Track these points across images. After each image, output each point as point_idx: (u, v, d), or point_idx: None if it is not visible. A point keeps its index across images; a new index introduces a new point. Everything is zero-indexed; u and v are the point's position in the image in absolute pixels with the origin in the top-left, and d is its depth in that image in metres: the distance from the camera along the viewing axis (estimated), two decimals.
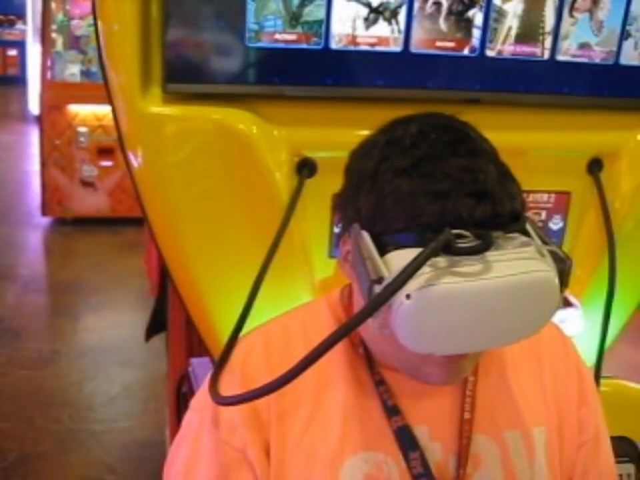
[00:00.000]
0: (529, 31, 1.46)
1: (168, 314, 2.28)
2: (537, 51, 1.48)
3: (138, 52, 1.33)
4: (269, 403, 1.02)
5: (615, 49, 1.52)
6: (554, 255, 0.88)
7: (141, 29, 1.33)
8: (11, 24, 13.65)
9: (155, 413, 3.49)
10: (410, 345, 0.86)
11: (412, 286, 0.82)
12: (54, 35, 6.06)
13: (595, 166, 1.61)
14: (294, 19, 1.34)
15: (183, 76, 1.35)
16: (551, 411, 1.11)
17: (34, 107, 8.93)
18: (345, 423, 1.03)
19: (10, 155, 8.82)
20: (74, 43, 6.14)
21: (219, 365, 1.10)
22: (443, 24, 1.41)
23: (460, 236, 0.84)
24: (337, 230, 1.47)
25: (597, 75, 1.55)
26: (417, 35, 1.41)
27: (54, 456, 3.27)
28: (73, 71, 6.16)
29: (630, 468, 1.72)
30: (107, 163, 6.21)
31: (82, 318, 4.72)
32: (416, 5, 1.38)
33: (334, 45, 1.38)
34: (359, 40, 1.39)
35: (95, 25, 1.36)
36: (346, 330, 0.86)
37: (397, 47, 1.41)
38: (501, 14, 1.44)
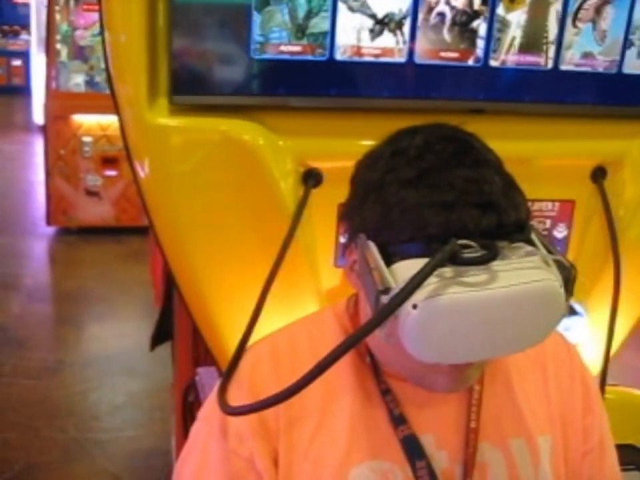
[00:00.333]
0: (532, 41, 1.47)
1: (174, 323, 2.29)
2: (541, 60, 1.49)
3: (145, 63, 1.34)
4: (277, 413, 1.03)
5: (617, 57, 1.53)
6: (559, 264, 0.89)
7: (148, 41, 1.33)
8: (15, 34, 13.70)
9: (160, 422, 3.49)
10: (417, 354, 0.87)
11: (419, 296, 0.82)
12: (58, 45, 6.09)
13: (598, 174, 1.62)
14: (300, 30, 1.35)
15: (190, 87, 1.36)
16: (555, 419, 1.11)
17: (38, 116, 8.94)
18: (352, 432, 1.04)
19: (15, 164, 8.85)
20: (78, 53, 6.16)
21: (227, 375, 1.10)
22: (446, 34, 1.42)
23: (466, 246, 0.85)
24: (342, 240, 1.47)
25: (601, 83, 1.55)
26: (421, 45, 1.41)
27: (59, 465, 3.27)
28: (77, 80, 6.18)
29: (636, 476, 1.72)
30: (111, 173, 6.22)
31: (87, 327, 4.72)
32: (420, 16, 1.39)
33: (339, 56, 1.39)
34: (363, 51, 1.40)
35: (102, 36, 1.37)
36: (354, 341, 0.87)
37: (401, 58, 1.41)
38: (505, 24, 1.45)
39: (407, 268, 0.85)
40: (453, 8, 1.40)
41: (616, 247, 1.61)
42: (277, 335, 1.14)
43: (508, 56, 1.47)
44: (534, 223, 1.59)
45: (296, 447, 1.04)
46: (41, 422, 3.56)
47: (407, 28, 1.40)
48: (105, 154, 6.17)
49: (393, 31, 1.40)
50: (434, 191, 0.89)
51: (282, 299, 1.39)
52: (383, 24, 1.38)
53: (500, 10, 1.43)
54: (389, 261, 0.88)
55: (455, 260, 0.84)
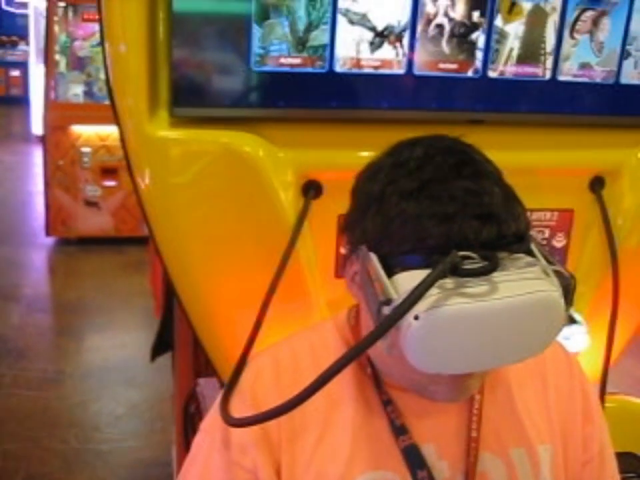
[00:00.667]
0: (530, 52, 1.48)
1: (174, 334, 2.29)
2: (539, 71, 1.50)
3: (145, 75, 1.35)
4: (280, 424, 1.03)
5: (615, 68, 1.54)
6: (558, 275, 0.89)
7: (149, 52, 1.34)
8: (14, 45, 13.71)
9: (161, 432, 3.49)
10: (418, 364, 0.88)
11: (420, 307, 0.83)
12: (57, 56, 6.10)
13: (597, 184, 1.63)
14: (300, 43, 1.36)
15: (190, 99, 1.37)
16: (555, 428, 1.12)
17: (37, 127, 8.95)
18: (354, 443, 1.04)
19: (13, 175, 8.85)
20: (77, 63, 6.18)
21: (229, 386, 1.11)
22: (445, 46, 1.43)
23: (466, 257, 0.85)
24: (343, 251, 1.48)
25: (598, 94, 1.56)
26: (420, 57, 1.42)
27: (60, 476, 3.26)
28: (76, 91, 6.19)
29: None
30: (110, 183, 6.23)
31: (87, 338, 4.72)
32: (419, 28, 1.40)
33: (338, 68, 1.40)
34: (362, 63, 1.40)
35: (103, 46, 1.38)
36: (356, 352, 0.87)
37: (400, 70, 1.42)
38: (503, 35, 1.46)
39: (408, 279, 0.86)
40: (451, 20, 1.41)
41: (614, 256, 1.61)
42: (278, 346, 1.15)
43: (506, 67, 1.48)
44: (533, 232, 1.60)
45: (298, 458, 1.04)
46: (41, 432, 3.56)
47: (406, 40, 1.41)
48: (104, 164, 6.17)
49: (392, 44, 1.41)
50: (434, 202, 0.89)
51: (283, 310, 1.39)
52: (382, 36, 1.39)
53: (498, 21, 1.44)
54: (390, 272, 0.89)
55: (456, 271, 0.84)
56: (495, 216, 0.89)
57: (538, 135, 1.57)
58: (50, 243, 6.46)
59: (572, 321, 1.65)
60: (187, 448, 1.14)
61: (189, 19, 1.33)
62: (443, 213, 0.88)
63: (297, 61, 1.37)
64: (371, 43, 1.40)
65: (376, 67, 1.41)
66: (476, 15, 1.42)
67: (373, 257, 0.91)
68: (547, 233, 1.65)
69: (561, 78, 1.52)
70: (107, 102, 1.45)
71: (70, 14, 6.09)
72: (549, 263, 0.91)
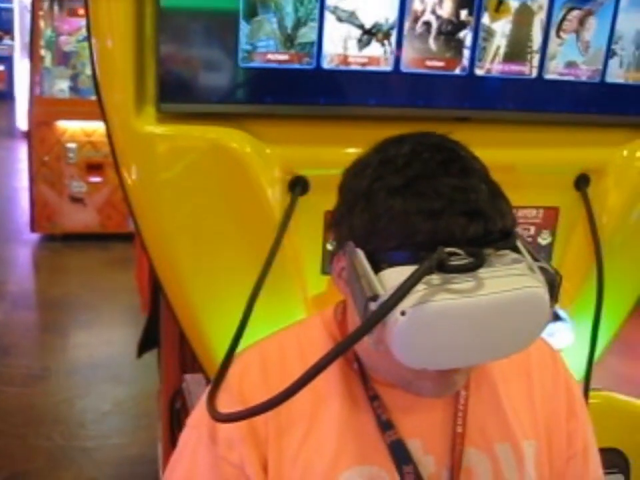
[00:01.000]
0: (517, 50, 1.49)
1: (160, 330, 2.28)
2: (525, 69, 1.51)
3: (132, 70, 1.34)
4: (267, 420, 1.03)
5: (600, 67, 1.55)
6: (544, 271, 0.90)
7: (136, 48, 1.34)
8: None
9: (147, 429, 3.47)
10: (404, 360, 0.88)
11: (407, 303, 0.83)
12: (42, 51, 6.06)
13: (582, 182, 1.64)
14: (289, 40, 1.36)
15: (177, 95, 1.37)
16: (540, 424, 1.12)
17: (22, 122, 8.90)
18: (340, 438, 1.04)
19: None
20: (62, 58, 6.14)
21: (216, 382, 1.11)
22: (432, 44, 1.43)
23: (453, 254, 0.86)
24: (330, 247, 1.48)
25: (584, 92, 1.57)
26: (407, 54, 1.43)
27: (46, 473, 3.25)
28: (61, 86, 6.16)
29: (620, 479, 1.74)
30: (96, 179, 6.20)
31: (72, 334, 4.70)
32: (406, 25, 1.41)
33: (326, 65, 1.40)
34: (350, 60, 1.41)
35: (89, 42, 1.37)
36: (343, 348, 0.88)
37: (387, 67, 1.43)
38: (490, 33, 1.46)
39: (395, 275, 0.86)
40: (438, 17, 1.42)
41: (599, 253, 1.62)
42: (265, 342, 1.15)
43: (493, 65, 1.49)
44: (518, 229, 1.61)
45: (285, 453, 1.04)
46: (26, 430, 3.54)
47: (394, 38, 1.41)
48: (89, 160, 6.15)
49: (380, 41, 1.41)
50: (421, 199, 0.90)
51: (269, 306, 1.39)
52: (370, 34, 1.40)
53: (485, 19, 1.45)
54: (377, 268, 0.89)
55: (442, 267, 0.85)
56: (482, 213, 0.89)
57: (524, 133, 1.58)
58: (35, 239, 6.43)
59: (557, 317, 1.66)
60: (173, 444, 1.14)
61: (176, 14, 1.33)
62: (430, 209, 0.89)
63: (285, 57, 1.37)
64: (359, 41, 1.40)
65: (363, 64, 1.42)
66: (463, 13, 1.43)
67: (360, 253, 0.91)
68: (532, 231, 1.66)
69: (547, 76, 1.52)
70: (93, 97, 1.44)
71: (55, 8, 6.05)
72: (535, 259, 0.91)
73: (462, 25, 1.44)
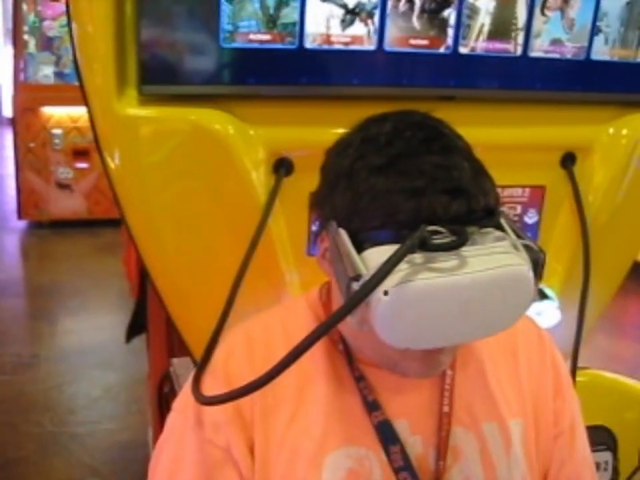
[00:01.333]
0: (501, 28, 1.48)
1: (148, 315, 2.28)
2: (510, 47, 1.50)
3: (113, 53, 1.33)
4: (252, 402, 1.03)
5: (586, 44, 1.54)
6: (528, 249, 0.90)
7: (116, 31, 1.32)
8: None
9: (137, 414, 3.48)
10: (388, 340, 0.88)
11: (389, 282, 0.83)
12: (26, 37, 6.01)
13: (568, 160, 1.63)
14: (271, 21, 1.35)
15: (159, 77, 1.36)
16: (526, 403, 1.12)
17: (7, 109, 8.84)
18: (327, 419, 1.04)
19: None
20: (46, 44, 6.10)
21: (201, 365, 1.10)
22: (416, 22, 1.42)
23: (435, 232, 0.85)
24: (314, 228, 1.48)
25: (569, 70, 1.57)
26: (391, 33, 1.42)
27: (37, 460, 3.25)
28: (46, 72, 6.12)
29: (607, 456, 1.75)
30: (82, 165, 6.18)
31: (61, 321, 4.69)
32: (389, 3, 1.39)
33: (308, 45, 1.39)
34: (333, 39, 1.40)
35: (69, 26, 1.36)
36: (326, 327, 0.87)
37: (370, 46, 1.42)
38: (474, 11, 1.45)
39: (378, 254, 0.85)
40: None
41: (586, 231, 1.62)
42: (250, 324, 1.15)
43: (477, 43, 1.47)
44: (505, 209, 1.61)
45: (272, 435, 1.04)
46: (16, 417, 3.54)
47: (377, 16, 1.40)
48: (75, 146, 6.12)
49: (364, 21, 1.40)
50: (403, 177, 0.89)
51: (255, 288, 1.39)
52: (354, 14, 1.38)
53: None
54: (360, 248, 0.89)
55: (425, 246, 0.84)
56: (465, 191, 0.89)
57: (509, 111, 1.57)
58: (22, 227, 6.41)
59: (544, 296, 1.66)
60: (162, 428, 1.13)
61: None
62: (412, 187, 0.88)
63: (267, 37, 1.36)
64: (342, 21, 1.39)
65: (346, 43, 1.40)
66: None
67: (343, 233, 0.91)
68: (518, 210, 1.65)
69: (532, 54, 1.52)
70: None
71: None
72: (519, 237, 0.91)
73: (446, 3, 1.42)
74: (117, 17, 1.32)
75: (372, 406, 1.04)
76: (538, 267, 0.90)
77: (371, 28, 1.40)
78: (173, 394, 1.76)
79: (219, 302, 1.30)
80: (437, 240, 0.85)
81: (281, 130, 1.44)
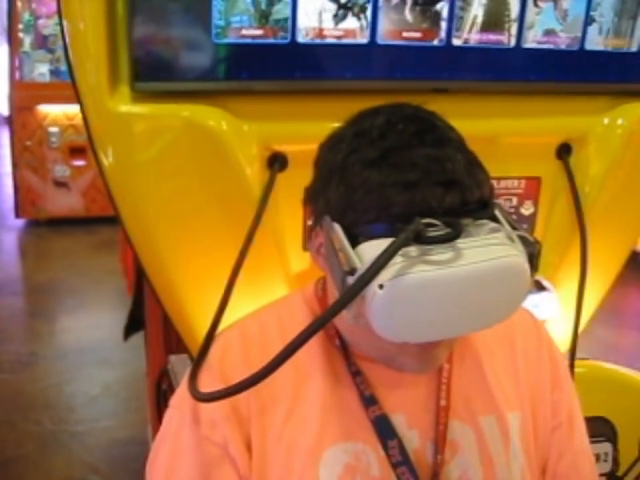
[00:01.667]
0: (494, 19, 1.47)
1: (145, 312, 2.28)
2: (503, 38, 1.49)
3: (105, 51, 1.32)
4: (249, 399, 1.03)
5: (579, 34, 1.53)
6: (523, 240, 0.89)
7: (107, 28, 1.31)
8: None
9: (136, 411, 3.48)
10: (384, 334, 0.87)
11: (384, 276, 0.82)
12: (21, 35, 6.00)
13: (564, 151, 1.63)
14: (263, 17, 1.34)
15: (151, 74, 1.35)
16: (524, 395, 1.12)
17: (3, 108, 8.81)
18: (324, 415, 1.04)
19: None
20: (42, 42, 6.08)
21: (197, 362, 1.10)
22: (408, 14, 1.41)
23: (430, 225, 0.85)
24: (309, 223, 1.47)
25: (563, 60, 1.56)
26: (383, 26, 1.41)
27: (36, 458, 3.25)
28: (41, 70, 6.11)
29: (607, 447, 1.75)
30: (79, 163, 6.17)
31: (59, 319, 4.69)
32: None
33: (301, 39, 1.38)
34: (325, 33, 1.39)
35: (61, 24, 1.35)
36: (321, 322, 0.87)
37: (363, 39, 1.41)
38: (467, 3, 1.44)
39: (373, 248, 0.85)
40: None
41: (582, 222, 1.62)
42: (246, 320, 1.14)
43: (471, 34, 1.47)
44: (501, 200, 1.61)
45: (268, 432, 1.03)
46: (16, 416, 3.54)
47: (370, 10, 1.39)
48: (72, 144, 6.12)
49: (356, 15, 1.39)
50: (397, 170, 0.89)
51: (251, 284, 1.38)
52: (346, 8, 1.38)
53: None
54: (355, 242, 0.88)
55: (420, 239, 0.84)
56: (458, 183, 0.88)
57: (504, 103, 1.57)
58: (20, 225, 6.40)
59: (541, 288, 1.66)
60: (160, 425, 1.13)
61: None
62: (406, 180, 0.88)
63: (259, 32, 1.35)
64: (335, 16, 1.38)
65: (339, 37, 1.40)
66: None
67: (337, 228, 0.90)
68: (514, 201, 1.65)
69: (526, 45, 1.51)
70: None
71: None
72: (514, 228, 0.91)
73: None
74: (109, 14, 1.31)
75: (369, 401, 1.04)
76: (533, 258, 0.90)
77: (364, 22, 1.40)
78: (171, 391, 1.76)
79: (215, 298, 1.29)
80: (432, 232, 0.84)
81: (274, 125, 1.44)
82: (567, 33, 1.52)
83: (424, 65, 1.48)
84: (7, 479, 3.14)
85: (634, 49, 1.58)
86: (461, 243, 0.85)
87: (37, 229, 6.29)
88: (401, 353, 0.98)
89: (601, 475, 1.74)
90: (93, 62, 1.34)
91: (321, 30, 1.38)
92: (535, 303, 1.61)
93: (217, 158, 1.39)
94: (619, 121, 1.64)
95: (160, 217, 1.44)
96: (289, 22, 1.36)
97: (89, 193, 6.27)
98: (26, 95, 6.02)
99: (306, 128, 1.42)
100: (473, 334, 1.12)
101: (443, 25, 1.44)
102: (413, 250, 0.84)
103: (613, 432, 1.76)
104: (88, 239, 5.98)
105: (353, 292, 0.84)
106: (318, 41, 1.39)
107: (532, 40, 1.51)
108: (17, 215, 6.31)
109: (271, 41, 1.37)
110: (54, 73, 6.12)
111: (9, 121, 6.29)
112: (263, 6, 1.34)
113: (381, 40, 1.42)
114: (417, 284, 0.83)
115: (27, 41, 6.06)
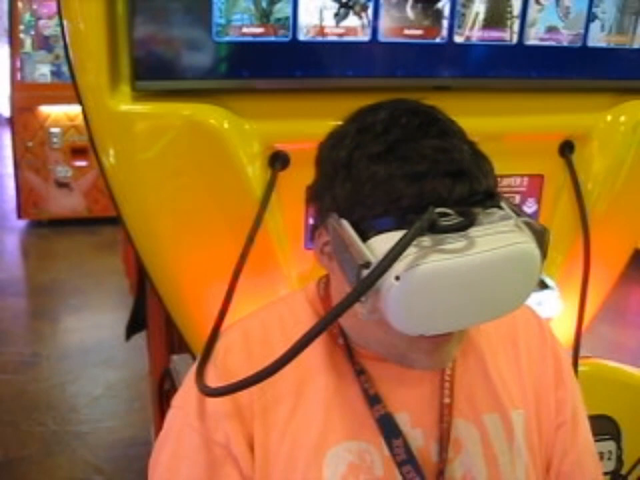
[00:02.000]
0: (496, 16, 1.47)
1: (147, 312, 2.27)
2: (505, 35, 1.49)
3: (105, 50, 1.32)
4: (251, 399, 1.02)
5: (582, 31, 1.53)
6: (530, 227, 0.90)
7: (108, 27, 1.31)
8: None
9: (139, 411, 3.48)
10: (400, 326, 0.87)
11: (400, 267, 0.82)
12: (22, 36, 5.99)
13: (566, 148, 1.63)
14: (264, 16, 1.34)
15: (152, 73, 1.35)
16: (528, 394, 1.12)
17: (4, 109, 8.81)
18: (327, 414, 1.04)
19: None
20: (43, 42, 6.07)
21: (202, 359, 1.09)
22: (410, 12, 1.41)
23: (443, 214, 0.85)
24: (311, 222, 1.47)
25: (565, 57, 1.55)
26: (385, 23, 1.41)
27: (39, 459, 3.24)
28: (43, 71, 6.09)
29: (611, 445, 1.75)
30: (81, 163, 6.16)
31: (62, 320, 4.68)
32: None
33: (302, 37, 1.38)
34: (326, 31, 1.38)
35: (61, 24, 1.35)
36: (335, 315, 0.86)
37: (364, 37, 1.41)
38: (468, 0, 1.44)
39: (384, 241, 0.85)
40: None
41: (585, 220, 1.62)
42: (247, 320, 1.14)
43: (472, 32, 1.46)
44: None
45: (272, 431, 1.03)
46: (19, 416, 3.53)
47: (371, 9, 1.39)
48: (74, 144, 6.10)
49: (358, 14, 1.38)
50: (405, 162, 0.89)
51: (252, 283, 1.38)
52: (347, 7, 1.37)
53: None
54: (364, 237, 0.88)
55: (434, 228, 0.84)
56: (466, 172, 0.89)
57: (506, 100, 1.56)
58: (22, 226, 6.40)
59: (544, 286, 1.66)
60: (162, 425, 1.13)
61: None
62: (414, 172, 0.88)
63: (260, 30, 1.35)
64: (336, 14, 1.38)
65: (340, 35, 1.39)
66: None
67: (345, 224, 0.90)
68: (517, 199, 1.65)
69: (528, 42, 1.50)
70: None
71: None
72: (519, 216, 0.91)
73: None
74: (109, 14, 1.31)
75: (373, 399, 1.03)
76: (542, 244, 0.90)
77: (365, 21, 1.39)
78: (173, 391, 1.75)
79: (217, 298, 1.29)
80: (445, 222, 0.84)
81: (276, 123, 1.44)
82: (569, 29, 1.52)
83: (426, 62, 1.48)
84: None
85: (636, 45, 1.57)
86: (473, 231, 0.85)
87: (39, 230, 6.29)
88: (413, 350, 0.97)
89: (605, 473, 1.73)
90: (94, 61, 1.34)
91: (322, 28, 1.38)
92: (538, 301, 1.61)
93: (218, 157, 1.39)
94: (622, 118, 1.63)
95: (161, 215, 1.44)
96: (290, 20, 1.36)
97: (90, 193, 6.26)
98: (27, 96, 6.00)
99: (307, 126, 1.41)
100: (476, 332, 1.11)
101: (445, 22, 1.44)
102: (426, 240, 0.84)
103: (616, 430, 1.75)
104: (90, 239, 5.98)
105: (367, 283, 0.83)
106: (319, 38, 1.39)
107: (534, 37, 1.50)
108: (19, 216, 6.30)
109: (272, 39, 1.36)
110: (55, 73, 6.10)
111: (11, 121, 6.28)
112: (264, 5, 1.34)
113: (382, 37, 1.41)
114: (434, 273, 0.83)
115: (28, 41, 6.04)
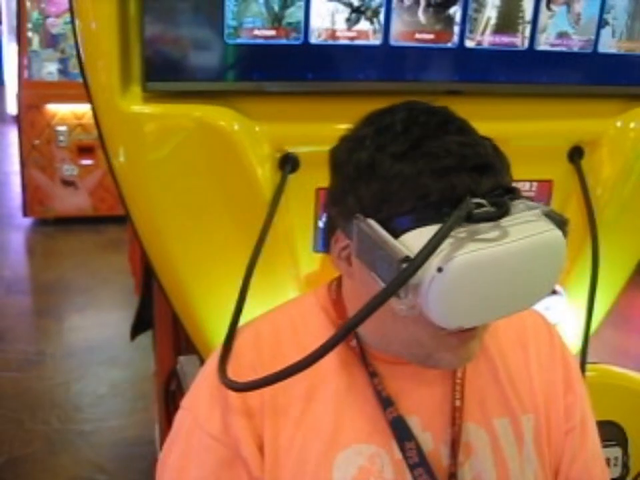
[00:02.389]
0: (507, 21, 1.47)
1: (154, 312, 2.27)
2: (516, 40, 1.49)
3: (117, 50, 1.32)
4: (262, 402, 1.03)
5: (593, 37, 1.53)
6: (552, 217, 0.92)
7: (120, 28, 1.32)
8: None
9: (143, 411, 3.48)
10: (441, 319, 0.87)
11: (438, 259, 0.83)
12: (30, 34, 6.00)
13: (576, 154, 1.62)
14: (276, 20, 1.34)
15: (163, 74, 1.35)
16: (537, 398, 1.12)
17: (12, 107, 8.83)
18: (338, 416, 1.04)
19: None
20: (50, 41, 6.07)
21: (223, 357, 1.08)
22: (421, 16, 1.41)
23: (478, 205, 0.86)
24: (321, 224, 1.47)
25: (576, 63, 1.55)
26: (396, 27, 1.41)
27: (43, 457, 3.25)
28: (50, 69, 6.10)
29: (617, 452, 1.74)
30: (87, 162, 6.17)
31: (67, 318, 4.69)
32: None
33: (313, 40, 1.38)
34: (338, 34, 1.39)
35: (73, 23, 1.35)
36: (373, 306, 0.85)
37: (376, 40, 1.41)
38: (480, 4, 1.44)
39: (416, 237, 0.86)
40: None
41: (593, 226, 1.61)
42: (259, 322, 1.14)
43: (484, 37, 1.46)
44: None
45: (282, 433, 1.03)
46: (23, 414, 3.54)
47: (383, 13, 1.39)
48: (80, 143, 6.11)
49: (369, 19, 1.39)
50: (431, 158, 0.89)
51: (261, 285, 1.38)
52: (359, 12, 1.37)
53: None
54: (393, 235, 0.88)
55: (470, 218, 0.85)
56: (491, 166, 0.90)
57: (516, 105, 1.56)
58: (28, 224, 6.40)
59: (552, 291, 1.65)
60: (168, 425, 1.13)
61: None
62: (442, 167, 0.88)
63: (271, 32, 1.35)
64: (348, 19, 1.38)
65: (352, 38, 1.39)
66: None
67: (374, 223, 0.90)
68: None
69: (539, 47, 1.50)
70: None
71: None
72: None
73: None
74: (121, 14, 1.31)
75: (386, 402, 1.03)
76: (564, 233, 0.92)
77: (377, 26, 1.39)
78: (179, 391, 1.76)
79: (225, 298, 1.29)
80: (479, 212, 0.86)
81: (286, 126, 1.44)
82: (580, 35, 1.52)
83: (437, 66, 1.48)
84: (15, 478, 3.14)
85: None
86: (504, 221, 0.87)
87: (45, 228, 6.29)
88: (440, 349, 0.97)
89: (611, 479, 1.73)
90: (105, 61, 1.34)
91: (333, 31, 1.38)
92: (545, 306, 1.60)
93: (228, 158, 1.39)
94: (632, 124, 1.63)
95: (170, 216, 1.44)
96: (302, 23, 1.36)
97: (96, 192, 6.26)
98: (34, 94, 6.01)
99: (318, 129, 1.42)
100: (487, 337, 1.11)
101: (456, 26, 1.44)
102: (461, 231, 0.85)
103: (622, 436, 1.75)
104: (95, 238, 5.98)
105: (407, 275, 0.83)
106: (331, 42, 1.39)
107: (545, 42, 1.50)
108: (25, 214, 6.30)
109: (284, 41, 1.36)
110: (62, 72, 6.10)
111: (17, 119, 6.29)
112: (276, 9, 1.34)
113: (393, 41, 1.41)
114: (474, 262, 0.84)
115: (36, 39, 6.05)
